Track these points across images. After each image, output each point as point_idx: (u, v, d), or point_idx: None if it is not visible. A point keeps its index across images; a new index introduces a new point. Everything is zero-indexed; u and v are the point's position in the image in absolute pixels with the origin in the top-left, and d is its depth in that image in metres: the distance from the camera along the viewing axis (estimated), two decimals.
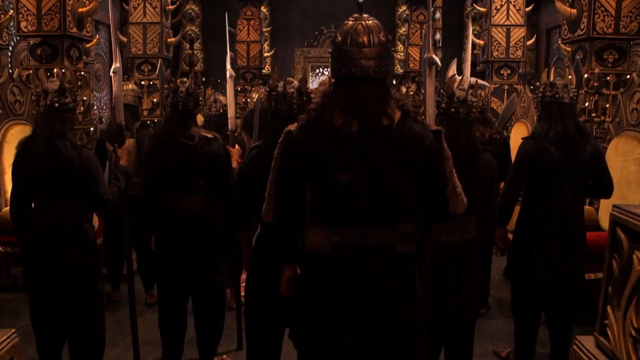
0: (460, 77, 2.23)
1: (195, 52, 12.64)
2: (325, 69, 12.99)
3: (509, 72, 8.75)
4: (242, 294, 2.78)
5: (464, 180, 2.02)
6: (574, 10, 5.57)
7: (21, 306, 3.26)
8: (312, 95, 2.26)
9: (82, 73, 6.13)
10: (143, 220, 2.85)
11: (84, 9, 5.86)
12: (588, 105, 4.56)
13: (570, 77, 2.66)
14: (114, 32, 2.99)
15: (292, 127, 1.82)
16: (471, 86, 2.13)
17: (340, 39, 1.71)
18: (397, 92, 1.82)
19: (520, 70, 9.23)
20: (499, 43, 8.55)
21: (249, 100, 5.27)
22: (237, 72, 10.80)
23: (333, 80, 1.73)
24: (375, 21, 1.75)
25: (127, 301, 3.05)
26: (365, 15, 1.75)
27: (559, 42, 10.71)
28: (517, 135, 5.77)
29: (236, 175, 2.63)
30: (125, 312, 3.16)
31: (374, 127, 1.64)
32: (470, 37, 2.72)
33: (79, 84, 5.87)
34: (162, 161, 2.63)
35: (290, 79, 2.32)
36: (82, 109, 5.89)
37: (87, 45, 6.93)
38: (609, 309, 1.70)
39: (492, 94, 8.80)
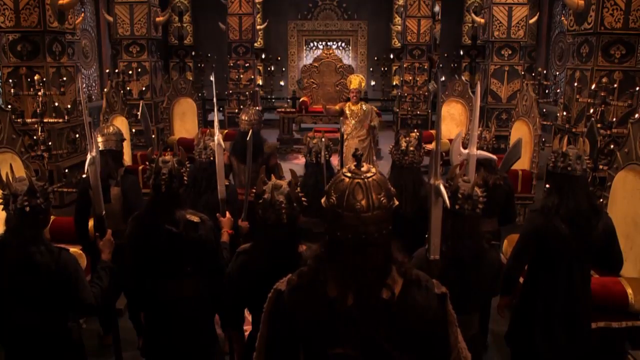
0: (466, 153, 2.05)
1: (185, 24, 12.20)
2: (320, 43, 12.58)
3: (509, 52, 8.44)
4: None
5: (468, 280, 1.88)
6: (581, 2, 5.32)
7: None
8: (303, 200, 2.07)
9: (67, 68, 5.88)
10: (130, 292, 2.70)
11: (65, 1, 5.53)
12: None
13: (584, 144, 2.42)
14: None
15: (282, 285, 1.59)
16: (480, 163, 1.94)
17: (334, 199, 1.45)
18: (400, 254, 1.52)
19: (521, 43, 8.92)
20: (500, 22, 8.20)
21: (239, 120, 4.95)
22: (229, 46, 10.43)
23: (327, 238, 1.50)
24: (376, 177, 1.45)
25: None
26: (364, 169, 1.46)
27: (562, 17, 10.37)
28: (517, 134, 5.60)
29: (226, 259, 2.50)
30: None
31: (372, 302, 1.47)
32: (479, 96, 2.44)
33: (63, 79, 5.64)
34: (146, 249, 2.45)
35: (279, 183, 2.09)
36: (68, 106, 5.66)
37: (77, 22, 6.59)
38: None
39: (491, 75, 8.55)
